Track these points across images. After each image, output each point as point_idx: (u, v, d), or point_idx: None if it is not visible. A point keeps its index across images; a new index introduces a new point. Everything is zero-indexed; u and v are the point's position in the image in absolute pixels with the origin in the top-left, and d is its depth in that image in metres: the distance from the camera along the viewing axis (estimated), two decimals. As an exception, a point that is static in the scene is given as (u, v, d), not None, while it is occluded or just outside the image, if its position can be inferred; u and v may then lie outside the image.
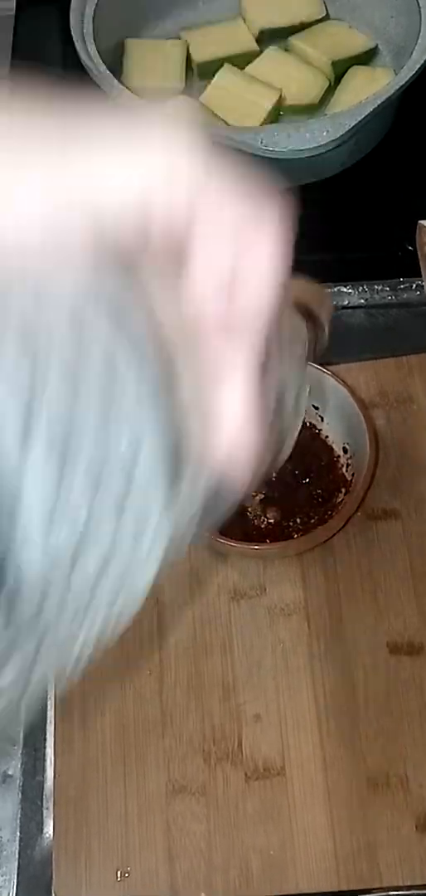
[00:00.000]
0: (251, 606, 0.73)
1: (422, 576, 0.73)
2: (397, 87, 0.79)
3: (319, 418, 0.78)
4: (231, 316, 0.31)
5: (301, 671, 0.70)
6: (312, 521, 0.74)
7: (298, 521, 0.74)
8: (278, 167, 0.80)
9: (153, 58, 0.92)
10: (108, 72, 0.83)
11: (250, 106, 0.87)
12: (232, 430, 0.31)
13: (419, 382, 0.83)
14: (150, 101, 0.86)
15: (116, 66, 0.91)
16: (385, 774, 0.66)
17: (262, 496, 0.75)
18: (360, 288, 0.86)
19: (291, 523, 0.74)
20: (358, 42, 0.94)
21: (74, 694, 0.69)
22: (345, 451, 0.76)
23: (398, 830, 0.64)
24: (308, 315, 0.43)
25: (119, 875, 0.64)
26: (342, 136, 0.75)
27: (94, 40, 0.85)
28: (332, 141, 0.75)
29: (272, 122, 0.89)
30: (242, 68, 0.92)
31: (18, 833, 0.67)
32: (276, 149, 0.75)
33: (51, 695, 0.70)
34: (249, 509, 0.75)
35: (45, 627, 0.27)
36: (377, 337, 0.86)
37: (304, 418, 0.78)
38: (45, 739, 0.70)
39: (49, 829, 0.67)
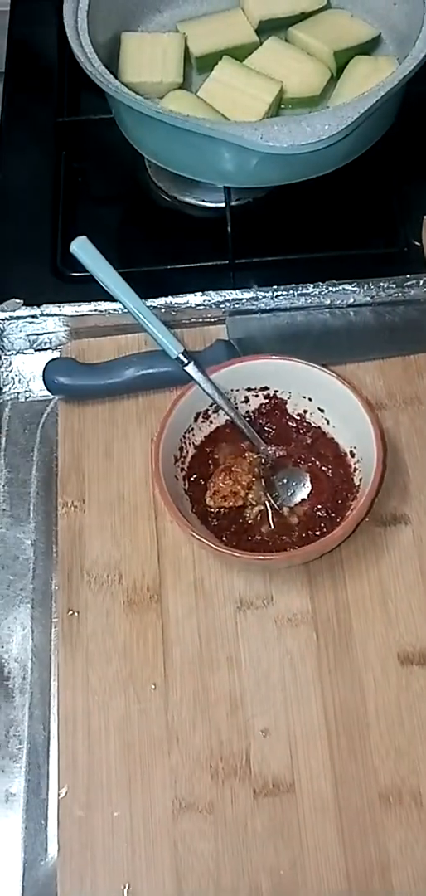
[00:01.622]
0: (258, 617, 0.71)
1: (433, 583, 0.71)
2: (401, 76, 0.77)
3: (325, 421, 0.76)
4: None
5: (310, 683, 0.68)
6: (319, 528, 0.72)
7: (305, 528, 0.72)
8: (278, 162, 0.79)
9: (150, 52, 0.89)
10: (103, 67, 0.80)
11: (251, 100, 0.85)
12: None
13: (427, 381, 0.81)
14: (149, 96, 0.84)
15: (112, 60, 0.88)
16: (398, 790, 0.64)
17: (266, 505, 0.73)
18: (366, 285, 0.83)
19: (297, 531, 0.72)
20: (360, 31, 0.92)
21: (78, 711, 0.68)
22: (352, 454, 0.74)
23: (411, 849, 0.63)
24: None
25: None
26: (345, 129, 0.73)
27: (89, 35, 0.83)
28: (335, 135, 0.72)
29: (273, 115, 0.86)
30: (242, 60, 0.89)
31: (22, 854, 0.66)
32: (276, 144, 0.73)
33: (54, 712, 0.69)
34: (254, 517, 0.73)
35: None
36: (383, 335, 0.83)
37: (311, 421, 0.76)
38: (48, 757, 0.69)
39: (53, 850, 0.66)
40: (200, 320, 0.85)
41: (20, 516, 0.78)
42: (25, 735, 0.69)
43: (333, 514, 0.72)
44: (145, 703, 0.68)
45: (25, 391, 0.85)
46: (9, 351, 0.87)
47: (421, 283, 0.83)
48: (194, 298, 0.84)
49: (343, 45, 0.90)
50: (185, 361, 0.75)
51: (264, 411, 0.77)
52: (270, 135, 0.73)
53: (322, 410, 0.76)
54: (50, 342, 0.86)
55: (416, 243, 0.78)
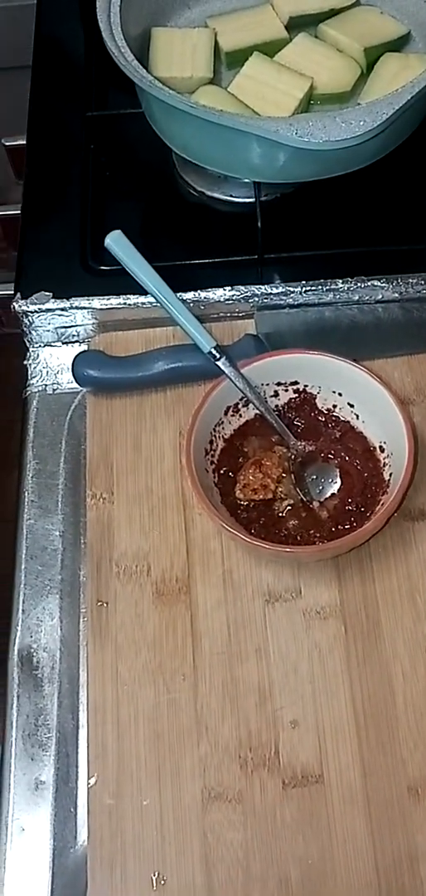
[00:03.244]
0: (286, 610, 0.71)
1: (461, 578, 0.72)
2: (435, 74, 0.77)
3: (355, 416, 0.76)
4: None
5: (338, 676, 0.69)
6: (349, 522, 0.72)
7: (334, 522, 0.72)
8: (310, 158, 0.79)
9: (180, 47, 0.90)
10: (136, 62, 0.81)
11: (281, 95, 0.85)
12: None
13: (455, 378, 0.81)
14: (178, 91, 0.84)
15: (142, 56, 0.89)
16: (426, 783, 0.65)
17: (295, 499, 0.74)
18: (394, 282, 0.84)
19: (327, 525, 0.72)
20: (390, 28, 0.92)
21: (108, 701, 0.69)
22: (381, 449, 0.74)
23: (441, 841, 0.63)
24: None
25: (155, 884, 0.63)
26: (379, 125, 0.73)
27: (122, 29, 0.83)
28: (369, 131, 0.73)
29: (303, 111, 0.86)
30: (272, 56, 0.90)
31: (52, 841, 0.66)
32: (311, 140, 0.73)
33: (83, 701, 0.70)
34: (283, 510, 0.73)
35: None
36: (412, 331, 0.84)
37: (340, 416, 0.77)
38: (77, 746, 0.69)
39: (83, 837, 0.66)
40: (229, 315, 0.85)
41: (48, 507, 0.79)
42: (54, 724, 0.70)
43: (363, 509, 0.72)
44: (174, 693, 0.69)
45: (53, 384, 0.85)
46: (37, 343, 0.87)
47: (449, 280, 0.83)
48: (223, 293, 0.84)
49: (373, 41, 0.90)
50: (218, 356, 0.75)
51: (294, 406, 0.78)
52: (305, 130, 0.73)
53: (352, 405, 0.76)
54: (78, 335, 0.87)
55: (445, 240, 0.78)
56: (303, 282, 0.84)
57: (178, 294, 0.81)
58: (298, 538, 0.72)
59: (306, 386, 0.77)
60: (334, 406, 0.77)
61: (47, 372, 0.86)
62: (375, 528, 0.69)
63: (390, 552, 0.73)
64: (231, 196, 0.91)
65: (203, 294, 0.84)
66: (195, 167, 0.88)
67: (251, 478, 0.74)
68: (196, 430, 0.73)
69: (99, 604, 0.72)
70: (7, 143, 1.40)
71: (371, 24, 0.92)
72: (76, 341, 0.87)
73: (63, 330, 0.86)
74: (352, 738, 0.67)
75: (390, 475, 0.72)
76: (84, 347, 0.86)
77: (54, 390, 0.85)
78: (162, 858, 0.64)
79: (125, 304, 0.84)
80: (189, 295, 0.84)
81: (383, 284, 0.84)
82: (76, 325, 0.86)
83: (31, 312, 0.85)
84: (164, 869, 0.64)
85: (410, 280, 0.83)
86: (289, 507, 0.73)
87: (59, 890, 0.65)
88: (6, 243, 1.58)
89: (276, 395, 0.77)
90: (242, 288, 0.84)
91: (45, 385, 0.85)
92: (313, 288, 0.84)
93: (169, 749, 0.67)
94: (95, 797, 0.66)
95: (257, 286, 0.84)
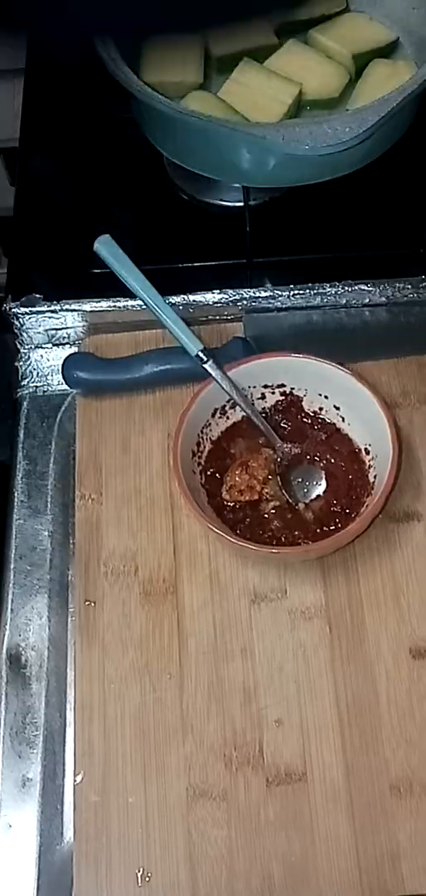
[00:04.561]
0: (272, 610, 0.72)
1: (445, 579, 0.72)
2: (421, 80, 0.78)
3: (341, 418, 0.77)
4: None
5: (323, 675, 0.69)
6: (334, 523, 0.73)
7: (319, 523, 0.73)
8: (298, 163, 0.79)
9: (171, 52, 0.91)
10: (126, 67, 0.82)
11: (270, 101, 0.86)
12: None
13: (442, 382, 0.82)
14: (169, 96, 0.85)
15: (134, 61, 0.89)
16: (408, 781, 0.66)
17: (281, 500, 0.74)
18: (382, 286, 0.84)
19: (312, 526, 0.73)
20: (379, 34, 0.93)
21: (94, 699, 0.69)
22: (366, 451, 0.75)
23: (422, 838, 0.64)
24: None
25: (140, 881, 0.64)
26: (366, 132, 0.74)
27: (112, 35, 0.84)
28: (356, 137, 0.74)
29: (292, 116, 0.87)
30: (262, 62, 0.91)
31: (38, 838, 0.67)
32: (298, 146, 0.73)
33: (70, 699, 0.70)
34: (269, 512, 0.74)
35: None
36: (399, 335, 0.84)
37: (326, 418, 0.77)
38: (64, 744, 0.70)
39: (69, 834, 0.67)
40: (217, 318, 0.86)
41: (38, 508, 0.80)
42: (42, 722, 0.71)
43: (348, 511, 0.73)
44: (161, 692, 0.69)
45: (43, 385, 0.86)
46: (28, 345, 0.88)
47: (436, 284, 0.84)
48: (212, 296, 0.85)
49: (362, 47, 0.91)
50: (205, 359, 0.76)
51: (280, 408, 0.78)
52: (292, 136, 0.74)
53: (337, 408, 0.77)
54: (68, 337, 0.87)
55: (432, 245, 0.79)
56: (292, 285, 0.84)
57: (168, 297, 0.82)
58: (283, 539, 0.73)
59: (293, 388, 0.78)
60: (320, 409, 0.78)
61: (38, 374, 0.87)
62: (359, 530, 0.70)
63: (375, 553, 0.74)
64: (220, 200, 0.92)
65: (192, 297, 0.85)
66: (185, 171, 0.89)
67: (237, 479, 0.74)
68: (183, 432, 0.73)
69: (87, 603, 0.73)
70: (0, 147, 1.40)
71: (360, 30, 0.93)
72: (66, 343, 0.87)
73: (53, 332, 0.87)
74: (335, 737, 0.67)
75: (375, 477, 0.73)
76: (74, 349, 0.87)
77: (44, 392, 0.86)
78: (147, 855, 0.64)
79: (115, 306, 0.85)
80: (178, 298, 0.84)
81: (370, 288, 0.84)
82: (66, 328, 0.87)
83: (22, 314, 0.85)
84: (149, 865, 0.64)
85: (397, 284, 0.84)
86: (274, 509, 0.74)
87: (45, 886, 0.66)
88: None
89: (263, 397, 0.78)
90: (231, 291, 0.85)
91: (36, 387, 0.86)
92: (301, 291, 0.84)
93: (154, 747, 0.68)
94: (81, 794, 0.67)
95: (246, 290, 0.85)
